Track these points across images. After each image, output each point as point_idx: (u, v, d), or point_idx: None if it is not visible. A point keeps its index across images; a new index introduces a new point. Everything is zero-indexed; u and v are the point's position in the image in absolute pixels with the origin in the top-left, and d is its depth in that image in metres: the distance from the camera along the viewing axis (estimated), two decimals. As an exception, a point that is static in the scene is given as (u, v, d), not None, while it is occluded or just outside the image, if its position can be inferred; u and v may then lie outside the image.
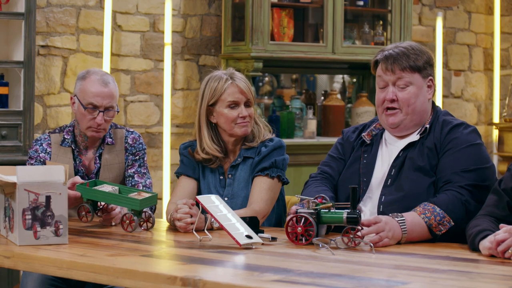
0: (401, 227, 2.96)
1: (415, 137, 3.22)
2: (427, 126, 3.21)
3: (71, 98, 3.66)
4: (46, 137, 3.68)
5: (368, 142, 3.31)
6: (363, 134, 3.33)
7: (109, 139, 3.67)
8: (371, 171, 3.26)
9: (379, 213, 3.15)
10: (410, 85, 3.19)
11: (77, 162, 3.65)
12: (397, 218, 2.96)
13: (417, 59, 3.19)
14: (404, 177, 3.15)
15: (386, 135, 3.31)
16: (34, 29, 4.92)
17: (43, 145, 3.66)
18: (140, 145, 3.72)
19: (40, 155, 3.64)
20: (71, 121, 3.73)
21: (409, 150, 3.20)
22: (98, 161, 3.66)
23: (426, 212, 3.00)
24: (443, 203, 3.02)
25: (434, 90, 3.27)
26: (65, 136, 3.66)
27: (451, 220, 3.00)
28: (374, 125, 3.35)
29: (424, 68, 3.21)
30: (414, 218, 2.99)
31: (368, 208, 3.22)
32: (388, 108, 3.22)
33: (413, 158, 3.16)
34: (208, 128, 3.52)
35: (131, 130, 3.75)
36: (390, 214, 2.99)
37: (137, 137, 3.73)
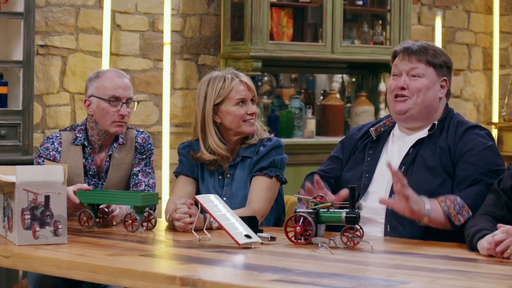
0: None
1: (424, 133, 3.24)
2: (435, 122, 3.22)
3: (85, 101, 3.65)
4: (58, 135, 3.67)
5: (374, 137, 3.32)
6: (371, 128, 3.35)
7: (120, 139, 3.67)
8: (374, 167, 3.27)
9: (388, 212, 3.14)
10: (422, 77, 3.23)
11: (90, 160, 3.65)
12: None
13: (435, 56, 3.24)
14: (415, 176, 3.15)
15: (395, 131, 3.33)
16: (33, 28, 4.92)
17: (55, 143, 3.64)
18: (149, 145, 3.74)
19: (51, 153, 3.63)
20: (82, 121, 3.72)
21: (420, 147, 3.21)
22: (107, 160, 3.66)
23: (447, 200, 3.02)
24: (470, 195, 3.04)
25: (448, 93, 3.29)
26: (77, 135, 3.65)
27: (470, 211, 3.01)
28: (384, 122, 3.37)
29: (440, 66, 3.25)
30: (436, 206, 3.02)
31: (369, 202, 3.22)
32: (397, 96, 3.25)
33: (425, 158, 3.17)
34: (214, 128, 3.51)
35: (141, 130, 3.77)
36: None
37: (146, 137, 3.75)
